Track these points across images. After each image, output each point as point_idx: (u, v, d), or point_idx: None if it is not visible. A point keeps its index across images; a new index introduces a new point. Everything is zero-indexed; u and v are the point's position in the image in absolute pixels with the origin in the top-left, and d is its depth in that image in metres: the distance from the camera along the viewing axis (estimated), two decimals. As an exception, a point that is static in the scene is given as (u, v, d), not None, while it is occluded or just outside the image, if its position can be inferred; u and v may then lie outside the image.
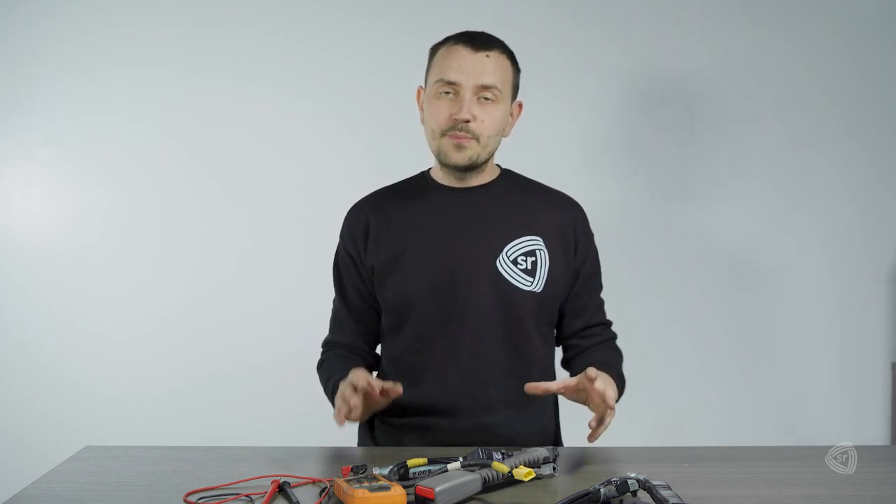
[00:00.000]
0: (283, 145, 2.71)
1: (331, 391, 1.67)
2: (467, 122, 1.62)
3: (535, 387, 1.52)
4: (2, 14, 2.66)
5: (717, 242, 2.73)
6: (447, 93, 1.64)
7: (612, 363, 1.69)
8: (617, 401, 1.54)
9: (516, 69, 1.71)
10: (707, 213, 2.73)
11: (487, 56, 1.64)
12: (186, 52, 2.68)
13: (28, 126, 2.69)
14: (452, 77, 1.63)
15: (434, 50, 1.70)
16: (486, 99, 1.63)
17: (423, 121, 1.71)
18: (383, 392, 1.53)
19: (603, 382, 1.46)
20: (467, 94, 1.62)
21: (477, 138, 1.63)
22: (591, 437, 1.49)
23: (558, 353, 1.81)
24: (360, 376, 1.52)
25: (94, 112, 2.69)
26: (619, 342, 1.80)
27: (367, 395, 1.52)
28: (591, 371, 1.44)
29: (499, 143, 1.71)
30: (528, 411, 1.71)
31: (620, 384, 1.65)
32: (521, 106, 1.74)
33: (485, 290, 1.66)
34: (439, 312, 1.66)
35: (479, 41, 1.65)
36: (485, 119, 1.63)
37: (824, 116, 2.73)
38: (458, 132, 1.63)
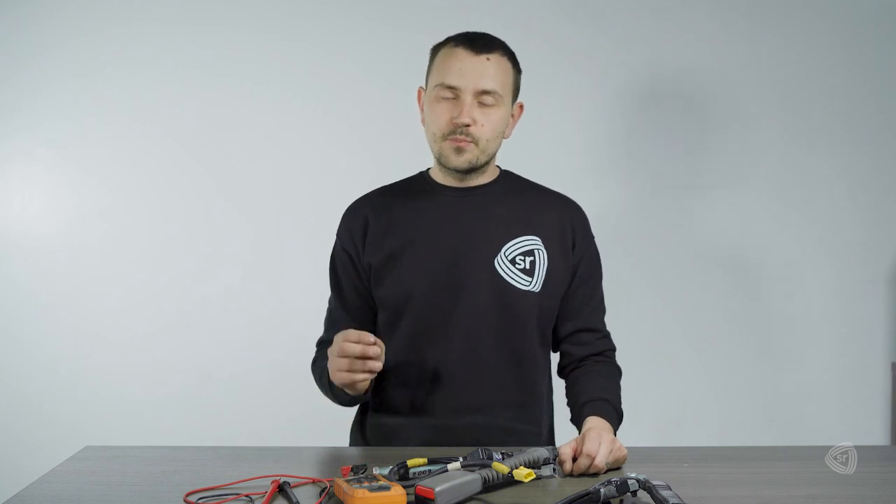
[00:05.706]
0: (283, 145, 2.71)
1: (327, 385, 1.64)
2: (467, 126, 1.62)
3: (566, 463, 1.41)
4: (2, 14, 2.66)
5: (718, 242, 2.73)
6: (447, 97, 1.63)
7: (609, 397, 1.63)
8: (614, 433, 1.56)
9: (517, 70, 1.70)
10: (707, 213, 2.73)
11: (488, 59, 1.63)
12: (186, 52, 2.68)
13: (28, 126, 2.69)
14: (452, 81, 1.62)
15: (435, 51, 1.69)
16: (486, 104, 1.63)
17: (423, 121, 1.71)
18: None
19: (601, 455, 1.38)
20: (467, 98, 1.61)
21: (476, 142, 1.63)
22: (569, 469, 1.39)
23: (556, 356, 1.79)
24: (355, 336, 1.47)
25: (94, 112, 2.68)
26: (619, 343, 1.77)
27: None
28: (590, 447, 1.38)
29: (499, 145, 1.70)
30: (524, 412, 1.70)
31: (617, 419, 1.61)
32: (521, 107, 1.74)
33: (483, 290, 1.65)
34: (436, 311, 1.66)
35: (479, 43, 1.64)
36: (485, 123, 1.63)
37: (824, 116, 2.72)
38: (458, 136, 1.62)
